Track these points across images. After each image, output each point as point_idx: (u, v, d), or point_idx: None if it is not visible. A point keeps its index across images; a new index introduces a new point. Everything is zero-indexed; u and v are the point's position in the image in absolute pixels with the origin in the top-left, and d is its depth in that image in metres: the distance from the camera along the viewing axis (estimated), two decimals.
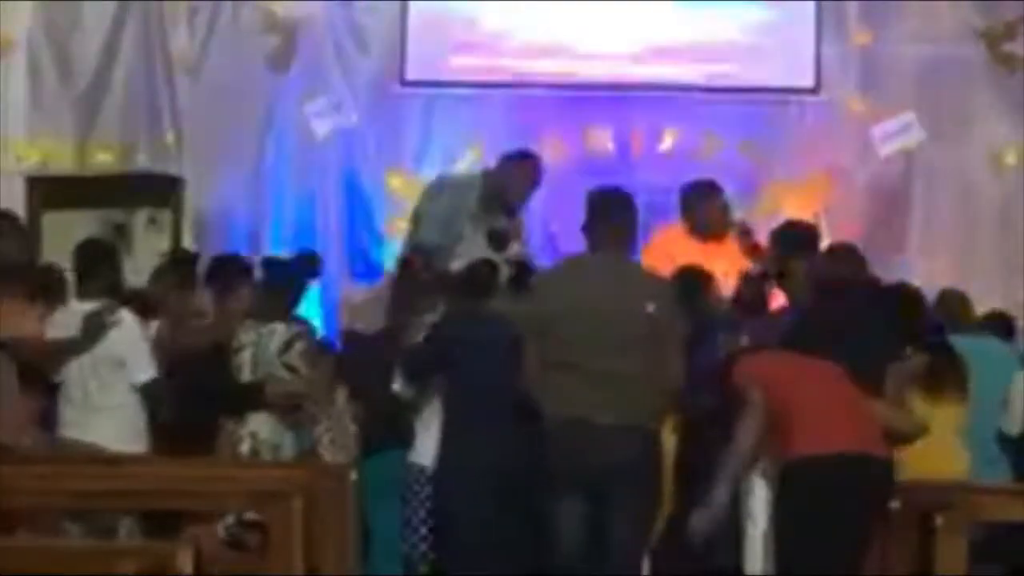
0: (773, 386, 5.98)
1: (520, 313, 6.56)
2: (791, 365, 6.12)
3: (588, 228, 6.56)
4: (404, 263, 8.07)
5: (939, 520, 5.64)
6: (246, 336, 7.07)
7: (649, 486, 6.30)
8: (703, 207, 8.52)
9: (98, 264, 7.58)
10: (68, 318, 7.37)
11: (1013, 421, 7.40)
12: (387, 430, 7.23)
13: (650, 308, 6.26)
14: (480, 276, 7.20)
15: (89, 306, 7.34)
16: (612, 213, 6.53)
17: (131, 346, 7.31)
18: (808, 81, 10.55)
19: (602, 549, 6.16)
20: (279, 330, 7.08)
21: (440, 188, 8.52)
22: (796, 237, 6.95)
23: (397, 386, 7.16)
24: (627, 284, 6.37)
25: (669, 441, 7.67)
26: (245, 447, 6.94)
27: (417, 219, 8.41)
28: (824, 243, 9.14)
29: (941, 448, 6.57)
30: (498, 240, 7.76)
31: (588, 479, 6.15)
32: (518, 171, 8.27)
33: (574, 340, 6.21)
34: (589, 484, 6.15)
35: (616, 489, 6.16)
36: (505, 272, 7.31)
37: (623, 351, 6.20)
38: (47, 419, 7.42)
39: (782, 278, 6.93)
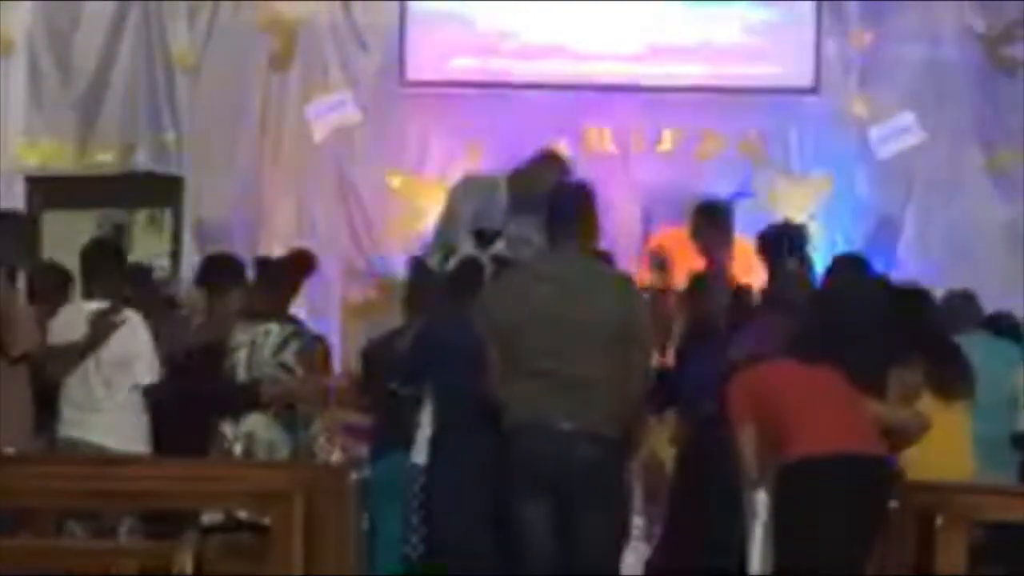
0: (770, 399, 5.97)
1: (479, 319, 6.43)
2: (788, 375, 6.10)
3: (549, 224, 6.36)
4: (417, 263, 8.03)
5: (939, 520, 5.64)
6: (241, 336, 7.06)
7: (611, 492, 6.13)
8: (701, 230, 8.50)
9: (104, 264, 7.59)
10: (74, 317, 7.38)
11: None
12: (393, 432, 7.23)
13: (614, 312, 6.07)
14: (465, 275, 7.17)
15: (94, 305, 7.35)
16: (573, 208, 6.32)
17: (138, 346, 7.32)
18: (808, 81, 10.56)
19: (572, 557, 6.01)
20: (274, 330, 7.06)
21: (470, 190, 8.47)
22: (786, 239, 6.94)
23: (394, 386, 7.16)
24: (589, 287, 6.14)
25: (666, 451, 7.70)
26: (240, 447, 6.94)
27: (450, 221, 8.33)
28: (820, 243, 9.20)
29: (951, 452, 6.53)
30: (481, 238, 7.73)
31: (549, 484, 6.01)
32: (544, 172, 8.24)
33: (534, 346, 6.03)
34: (551, 489, 6.01)
35: (578, 496, 6.01)
36: (489, 269, 7.24)
37: (585, 356, 6.00)
38: (46, 419, 7.44)
39: (770, 279, 6.90)
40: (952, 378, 6.81)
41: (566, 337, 6.01)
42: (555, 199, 6.54)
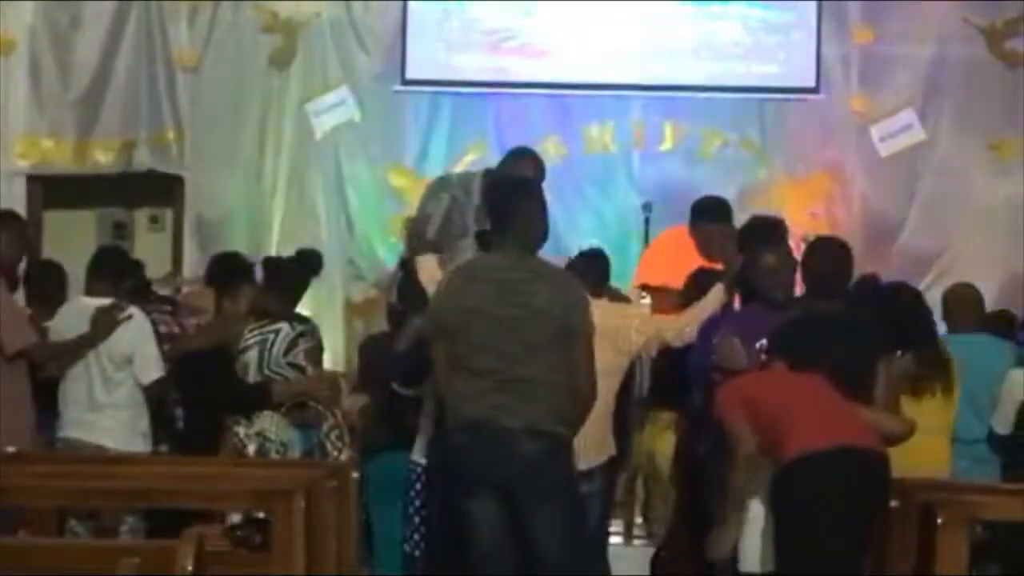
0: (761, 409, 5.96)
1: (424, 318, 6.32)
2: (775, 384, 6.09)
3: (492, 223, 6.27)
4: (404, 263, 8.05)
5: (940, 519, 5.63)
6: (251, 336, 7.07)
7: (559, 487, 6.00)
8: (702, 229, 8.47)
9: (109, 263, 7.61)
10: (77, 314, 7.39)
11: (1003, 420, 7.37)
12: (389, 430, 7.23)
13: (554, 310, 5.97)
14: None
15: (97, 302, 7.37)
16: (508, 204, 6.22)
17: (139, 343, 7.32)
18: (809, 80, 10.57)
19: (531, 557, 5.92)
20: (284, 329, 7.08)
21: (443, 187, 8.48)
22: (763, 231, 6.93)
23: (395, 386, 7.15)
24: (527, 284, 6.03)
25: (667, 444, 7.70)
26: (253, 447, 6.94)
27: (422, 219, 8.35)
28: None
29: (919, 447, 6.52)
30: (485, 241, 7.73)
31: (494, 482, 5.93)
32: (517, 170, 8.23)
33: (474, 344, 5.97)
34: (496, 487, 5.93)
35: (526, 493, 5.92)
36: None
37: (524, 354, 5.94)
38: (46, 420, 7.45)
39: (752, 273, 6.88)
40: (922, 372, 6.81)
41: (505, 335, 5.96)
42: (490, 196, 6.48)
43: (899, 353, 6.67)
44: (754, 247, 6.76)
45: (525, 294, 6.02)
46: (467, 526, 6.03)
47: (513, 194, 6.35)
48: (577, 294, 6.16)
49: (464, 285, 6.16)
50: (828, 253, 6.85)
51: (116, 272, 7.57)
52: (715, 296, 7.10)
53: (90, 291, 7.52)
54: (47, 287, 7.91)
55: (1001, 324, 8.19)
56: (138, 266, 8.29)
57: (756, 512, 6.04)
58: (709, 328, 6.89)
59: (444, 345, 6.08)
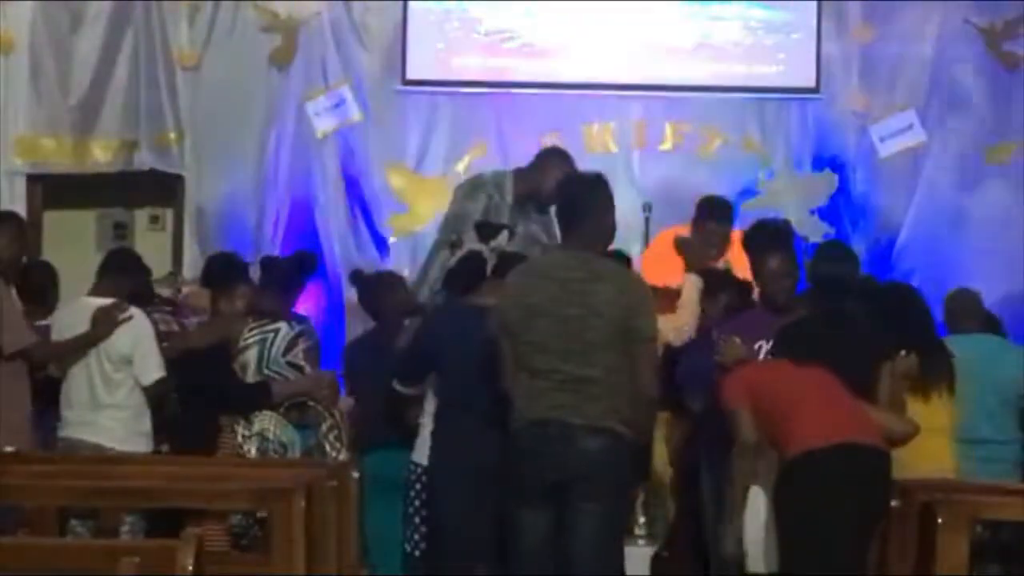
0: (766, 395, 5.97)
1: (492, 316, 6.34)
2: (780, 374, 6.10)
3: (560, 220, 6.32)
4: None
5: (940, 519, 5.63)
6: (251, 336, 7.08)
7: (612, 485, 6.04)
8: (701, 225, 8.46)
9: (113, 263, 7.61)
10: (78, 313, 7.39)
11: None
12: (385, 427, 7.23)
13: (612, 311, 6.00)
14: (467, 268, 7.17)
15: (98, 302, 7.38)
16: (578, 202, 6.24)
17: (140, 344, 7.32)
18: (809, 80, 10.56)
19: (569, 549, 5.97)
20: (283, 329, 7.09)
21: (479, 187, 8.48)
22: (767, 235, 6.95)
23: (395, 384, 7.16)
24: (591, 284, 6.04)
25: (660, 451, 7.70)
26: (254, 447, 6.94)
27: (457, 219, 8.33)
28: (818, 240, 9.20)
29: (927, 448, 6.52)
30: (484, 232, 7.73)
31: (552, 480, 5.97)
32: (548, 170, 8.24)
33: (537, 344, 6.01)
34: (553, 485, 5.97)
35: (578, 487, 5.94)
36: (492, 263, 7.23)
37: (587, 353, 5.97)
38: (46, 420, 7.45)
39: (756, 276, 6.91)
40: (928, 373, 6.82)
41: (566, 335, 5.99)
42: (561, 192, 6.48)
43: (903, 353, 6.69)
44: (759, 250, 6.78)
45: (585, 294, 6.02)
46: (514, 534, 6.05)
47: (582, 192, 6.32)
48: (641, 296, 6.16)
49: (527, 283, 6.17)
50: (833, 256, 6.90)
51: (119, 272, 7.58)
52: (691, 287, 7.12)
53: (94, 291, 7.53)
54: (44, 287, 7.92)
55: (993, 325, 8.20)
56: (147, 273, 8.27)
57: (759, 508, 6.04)
58: (705, 333, 6.93)
59: (508, 343, 6.10)
